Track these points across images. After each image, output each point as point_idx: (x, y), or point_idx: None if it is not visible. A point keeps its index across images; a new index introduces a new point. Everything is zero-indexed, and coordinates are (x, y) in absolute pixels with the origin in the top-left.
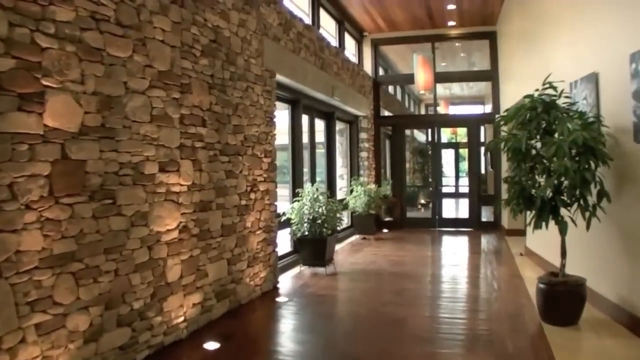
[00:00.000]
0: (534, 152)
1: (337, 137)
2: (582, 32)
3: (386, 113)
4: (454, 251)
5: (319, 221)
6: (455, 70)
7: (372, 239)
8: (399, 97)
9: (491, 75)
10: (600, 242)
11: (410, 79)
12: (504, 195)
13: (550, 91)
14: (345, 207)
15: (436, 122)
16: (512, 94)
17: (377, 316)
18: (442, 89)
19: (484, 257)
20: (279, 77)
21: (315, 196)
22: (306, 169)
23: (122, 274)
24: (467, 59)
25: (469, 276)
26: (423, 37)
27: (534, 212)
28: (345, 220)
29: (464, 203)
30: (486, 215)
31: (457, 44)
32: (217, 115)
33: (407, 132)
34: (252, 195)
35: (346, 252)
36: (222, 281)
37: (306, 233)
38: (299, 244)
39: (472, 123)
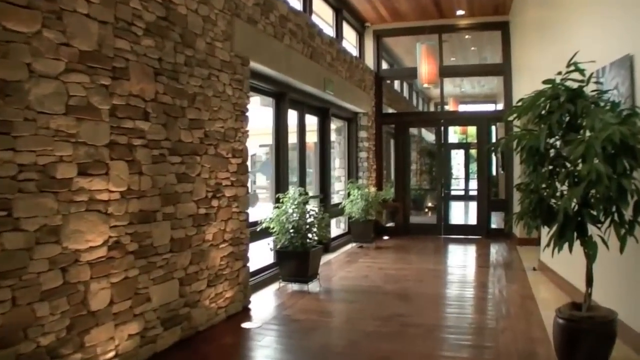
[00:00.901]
0: (552, 152)
1: (335, 136)
2: (612, 10)
3: (390, 111)
4: (459, 263)
5: (303, 231)
6: (465, 64)
7: (370, 247)
8: (405, 94)
9: (503, 70)
10: (636, 265)
11: (415, 73)
12: (516, 201)
13: (576, 76)
14: (341, 212)
15: (443, 120)
16: (526, 90)
17: (356, 352)
18: (451, 87)
19: (492, 272)
20: (255, 65)
21: (297, 202)
22: (294, 171)
23: (22, 303)
24: (477, 54)
25: (474, 297)
26: (429, 27)
27: (554, 228)
28: (343, 226)
29: (474, 207)
30: (496, 221)
31: (467, 37)
32: (165, 107)
33: (415, 131)
34: (215, 203)
35: (338, 264)
36: (172, 305)
37: (287, 244)
38: (278, 256)
39: (481, 121)
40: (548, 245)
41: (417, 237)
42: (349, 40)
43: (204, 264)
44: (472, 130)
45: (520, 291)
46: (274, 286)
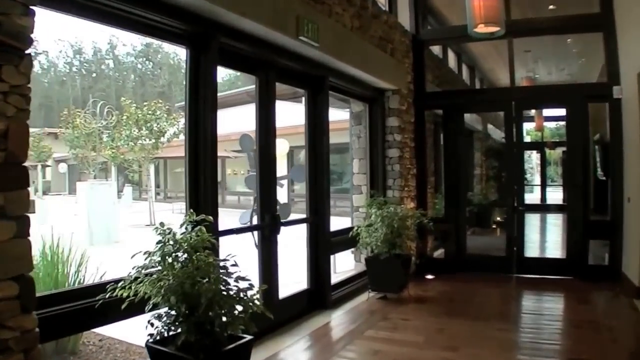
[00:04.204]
0: None
1: (352, 125)
2: None
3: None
4: (553, 345)
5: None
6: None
7: (397, 300)
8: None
9: (602, 23)
10: None
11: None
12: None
13: None
14: (354, 242)
15: (513, 99)
16: None
17: None
18: (522, 73)
19: None
20: None
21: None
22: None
23: None
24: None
25: None
26: None
27: None
28: (352, 265)
29: (554, 226)
30: (597, 252)
31: None
32: None
33: (475, 124)
34: None
35: (324, 342)
36: None
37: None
38: None
39: (573, 99)
40: None
41: (477, 278)
42: None
43: None
44: (548, 127)
45: None
46: None
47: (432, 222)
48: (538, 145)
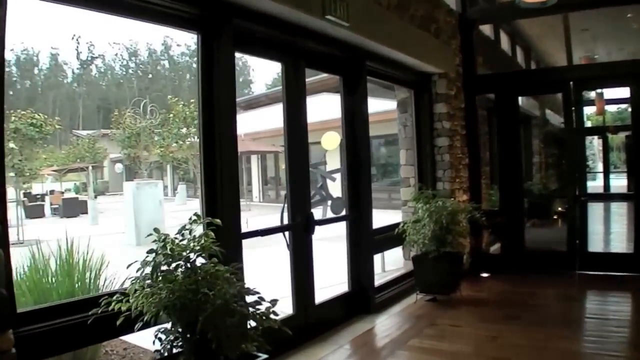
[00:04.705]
0: None
1: (399, 113)
2: None
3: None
4: (607, 346)
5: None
6: None
7: (447, 302)
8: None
9: None
10: None
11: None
12: None
13: None
14: (401, 240)
15: (572, 78)
16: None
17: None
18: (581, 53)
19: None
20: None
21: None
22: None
23: None
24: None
25: None
26: None
27: None
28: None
29: (619, 216)
30: None
31: None
32: None
33: (535, 110)
34: None
35: (368, 348)
36: None
37: None
38: None
39: (638, 79)
40: None
41: (536, 275)
42: None
43: None
44: (609, 110)
45: None
46: None
47: (487, 215)
48: (599, 130)
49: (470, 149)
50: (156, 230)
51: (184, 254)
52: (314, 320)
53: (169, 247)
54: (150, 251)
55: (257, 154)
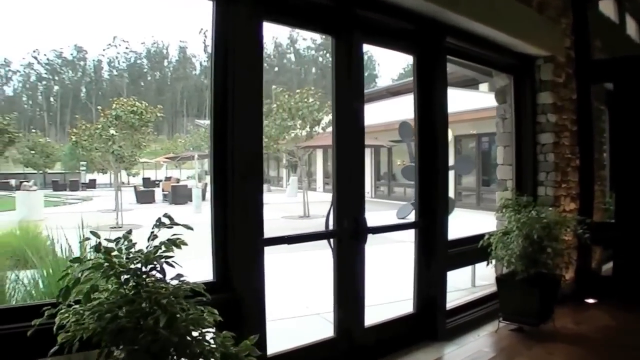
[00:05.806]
0: None
1: (497, 104)
2: None
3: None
4: None
5: None
6: None
7: (533, 335)
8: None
9: None
10: None
11: None
12: None
13: None
14: (486, 255)
15: None
16: None
17: None
18: None
19: None
20: None
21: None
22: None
23: None
24: None
25: None
26: None
27: None
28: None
29: None
30: None
31: None
32: None
33: None
34: None
35: None
36: None
37: None
38: None
39: None
40: None
41: None
42: None
43: None
44: None
45: None
46: None
47: (600, 228)
48: None
49: (582, 148)
50: (94, 233)
51: (129, 264)
52: (361, 346)
53: (111, 256)
54: (74, 260)
55: (371, 148)
